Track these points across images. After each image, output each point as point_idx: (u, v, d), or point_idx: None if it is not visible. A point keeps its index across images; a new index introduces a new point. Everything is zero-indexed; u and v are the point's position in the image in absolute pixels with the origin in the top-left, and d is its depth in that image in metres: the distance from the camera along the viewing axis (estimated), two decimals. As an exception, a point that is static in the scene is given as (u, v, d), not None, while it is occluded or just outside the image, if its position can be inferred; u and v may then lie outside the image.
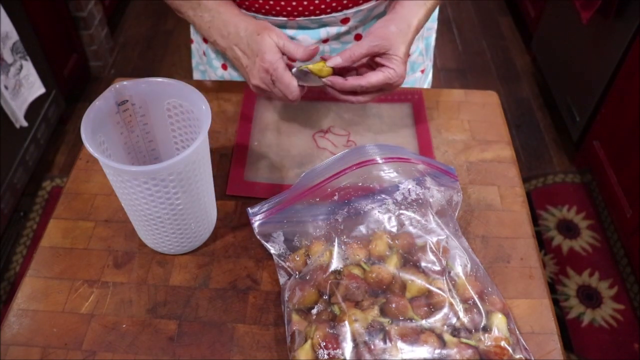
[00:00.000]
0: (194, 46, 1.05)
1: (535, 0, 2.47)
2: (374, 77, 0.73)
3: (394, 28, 0.75)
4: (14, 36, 1.72)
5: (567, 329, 1.67)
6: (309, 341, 0.58)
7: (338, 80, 0.74)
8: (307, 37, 0.85)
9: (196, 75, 1.08)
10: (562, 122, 2.23)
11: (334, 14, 0.82)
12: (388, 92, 0.78)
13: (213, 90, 0.94)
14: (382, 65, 0.74)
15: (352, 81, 0.74)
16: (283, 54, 0.76)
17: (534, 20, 2.47)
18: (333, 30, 0.85)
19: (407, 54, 0.76)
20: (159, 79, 0.66)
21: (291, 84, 0.74)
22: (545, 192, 2.04)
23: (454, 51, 2.65)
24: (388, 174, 0.69)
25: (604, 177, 1.89)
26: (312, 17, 0.82)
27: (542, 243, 1.88)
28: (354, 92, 0.75)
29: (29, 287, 0.70)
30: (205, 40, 0.96)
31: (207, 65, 1.01)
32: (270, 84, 0.76)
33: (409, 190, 0.68)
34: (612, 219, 1.90)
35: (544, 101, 2.40)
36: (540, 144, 2.22)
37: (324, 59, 0.75)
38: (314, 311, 0.61)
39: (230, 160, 0.83)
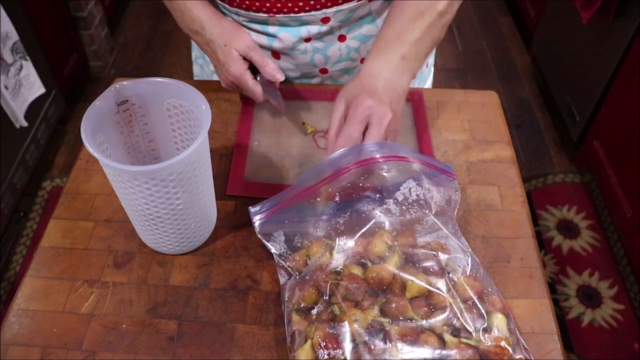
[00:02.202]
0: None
1: (535, 0, 2.47)
2: (348, 123, 0.69)
3: (345, 90, 0.73)
4: (14, 36, 1.72)
5: (567, 329, 1.67)
6: (309, 341, 0.58)
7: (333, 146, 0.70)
8: (289, 35, 0.85)
9: (195, 69, 1.08)
10: (562, 122, 2.23)
11: (313, 13, 0.82)
12: (388, 131, 0.70)
13: (213, 90, 0.94)
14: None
15: (339, 140, 0.69)
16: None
17: (534, 20, 2.47)
18: (314, 29, 0.85)
19: (376, 91, 0.71)
20: (159, 79, 0.66)
21: (256, 91, 0.82)
22: (545, 192, 2.04)
23: (454, 51, 2.65)
24: (388, 173, 0.69)
25: (604, 177, 1.89)
26: (292, 15, 0.82)
27: (542, 243, 1.88)
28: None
29: (29, 287, 0.70)
30: None
31: (203, 59, 1.02)
32: (236, 88, 0.84)
33: (409, 190, 0.68)
34: (612, 219, 1.90)
35: (544, 101, 2.40)
36: (540, 144, 2.23)
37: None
38: (314, 311, 0.61)
39: (230, 160, 0.83)
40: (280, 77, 0.78)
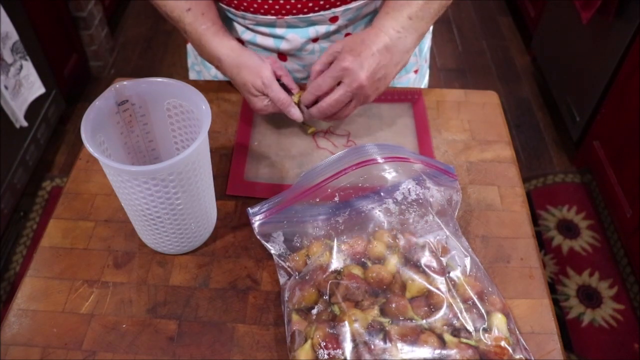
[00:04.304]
0: (189, 46, 1.05)
1: (535, 0, 2.47)
2: (324, 74, 0.76)
3: (346, 39, 0.78)
4: (14, 36, 1.72)
5: (567, 329, 1.67)
6: (309, 341, 0.58)
7: (304, 95, 0.79)
8: (297, 37, 0.85)
9: (192, 75, 1.08)
10: (562, 122, 2.23)
11: (322, 12, 0.82)
12: (356, 94, 0.76)
13: (213, 90, 0.94)
14: None
15: (309, 86, 0.77)
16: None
17: (534, 20, 2.47)
18: (322, 29, 0.85)
19: (369, 51, 0.74)
20: (159, 79, 0.66)
21: (288, 113, 0.80)
22: (545, 192, 2.04)
23: (454, 51, 2.65)
24: (388, 173, 0.69)
25: (604, 177, 1.89)
26: (301, 16, 0.82)
27: (542, 243, 1.88)
28: (317, 100, 0.78)
29: (29, 287, 0.70)
30: None
31: (201, 65, 1.02)
32: (271, 111, 0.82)
33: (409, 190, 0.68)
34: (612, 219, 1.90)
35: (544, 101, 2.40)
36: (540, 144, 2.22)
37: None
38: (314, 311, 0.61)
39: (230, 160, 0.83)
40: (296, 117, 0.79)
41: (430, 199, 0.68)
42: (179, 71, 2.52)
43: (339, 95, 0.75)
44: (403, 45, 0.77)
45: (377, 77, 0.75)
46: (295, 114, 0.79)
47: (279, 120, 0.89)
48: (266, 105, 0.80)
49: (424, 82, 1.06)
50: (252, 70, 0.78)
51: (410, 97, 0.92)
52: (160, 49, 2.65)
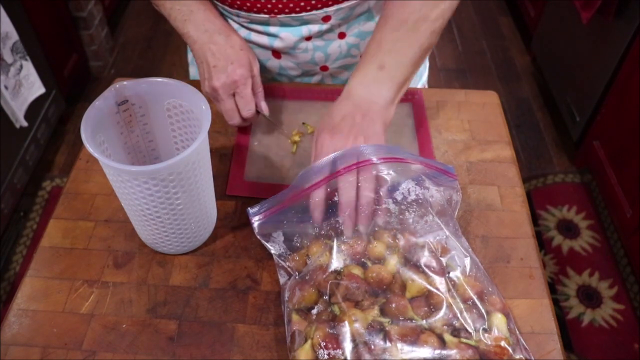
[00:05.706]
0: None
1: (535, 0, 2.47)
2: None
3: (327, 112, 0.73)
4: (14, 36, 1.72)
5: (567, 329, 1.67)
6: (309, 341, 0.58)
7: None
8: (290, 35, 0.86)
9: (192, 70, 1.08)
10: (562, 122, 2.23)
11: (314, 12, 0.82)
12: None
13: (213, 90, 0.94)
14: None
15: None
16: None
17: (534, 20, 2.47)
18: (315, 27, 0.85)
19: (352, 107, 0.71)
20: (159, 79, 0.66)
21: (251, 102, 0.80)
22: (545, 192, 2.04)
23: (454, 51, 2.65)
24: (387, 174, 0.69)
25: (604, 177, 1.89)
26: (293, 15, 0.83)
27: (542, 243, 1.88)
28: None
29: (29, 287, 0.70)
30: None
31: None
32: (226, 94, 0.80)
33: (408, 190, 0.68)
34: (612, 219, 1.90)
35: (544, 101, 2.40)
36: (540, 144, 2.22)
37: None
38: (314, 311, 0.61)
39: (230, 160, 0.83)
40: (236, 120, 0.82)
41: (430, 199, 0.68)
42: (179, 71, 2.52)
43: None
44: (377, 97, 0.72)
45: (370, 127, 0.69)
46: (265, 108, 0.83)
47: (279, 120, 0.89)
48: (248, 79, 0.80)
49: (421, 81, 1.06)
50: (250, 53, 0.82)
51: (410, 97, 0.92)
52: (160, 49, 2.65)
